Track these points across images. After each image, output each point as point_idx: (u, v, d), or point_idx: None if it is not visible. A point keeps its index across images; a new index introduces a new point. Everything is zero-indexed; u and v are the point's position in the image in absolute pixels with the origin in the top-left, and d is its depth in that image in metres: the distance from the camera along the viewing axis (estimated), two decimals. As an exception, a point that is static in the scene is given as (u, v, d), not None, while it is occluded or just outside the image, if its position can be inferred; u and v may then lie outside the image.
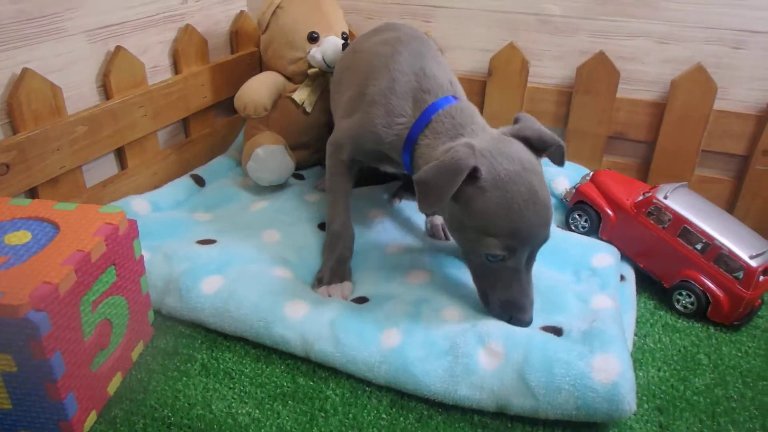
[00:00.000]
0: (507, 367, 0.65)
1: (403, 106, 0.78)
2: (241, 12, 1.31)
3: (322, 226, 0.98)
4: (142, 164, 1.06)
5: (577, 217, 1.02)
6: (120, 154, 1.03)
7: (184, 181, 1.07)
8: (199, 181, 1.10)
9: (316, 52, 1.09)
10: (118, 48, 0.97)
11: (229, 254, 0.86)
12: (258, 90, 1.07)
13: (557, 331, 0.72)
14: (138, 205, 0.96)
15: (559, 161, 0.75)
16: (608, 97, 1.14)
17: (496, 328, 0.71)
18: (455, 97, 0.79)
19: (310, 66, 1.11)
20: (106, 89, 0.97)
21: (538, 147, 0.71)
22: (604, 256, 0.91)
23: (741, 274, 0.84)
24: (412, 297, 0.80)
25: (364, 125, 0.83)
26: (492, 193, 0.65)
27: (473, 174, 0.65)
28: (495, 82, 1.20)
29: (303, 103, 1.12)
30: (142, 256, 0.73)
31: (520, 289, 0.69)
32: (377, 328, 0.73)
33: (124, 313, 0.70)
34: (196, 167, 1.16)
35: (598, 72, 1.12)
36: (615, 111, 1.15)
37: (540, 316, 0.76)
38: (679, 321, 0.88)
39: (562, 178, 1.13)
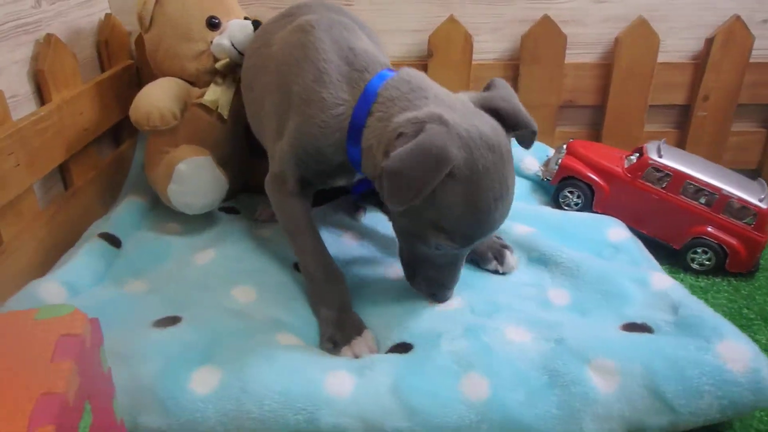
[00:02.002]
0: (631, 383, 0.56)
1: (338, 95, 0.68)
2: (108, 16, 1.04)
3: (298, 267, 0.80)
4: (22, 234, 0.78)
5: (569, 194, 0.97)
6: (-12, 225, 0.74)
7: (96, 245, 0.80)
8: (114, 241, 0.83)
9: (222, 38, 0.90)
10: (-38, 73, 0.68)
11: (209, 332, 0.65)
12: (159, 96, 0.86)
13: (646, 329, 0.65)
14: (48, 292, 0.68)
15: (528, 144, 0.68)
16: (556, 64, 1.11)
17: (583, 337, 0.62)
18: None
19: (217, 59, 0.91)
20: (-49, 136, 0.68)
21: (507, 124, 0.63)
22: (617, 229, 0.88)
23: (752, 219, 0.85)
24: (461, 326, 0.66)
25: (301, 132, 0.70)
26: (464, 187, 0.57)
27: None
28: (437, 63, 1.11)
29: (217, 108, 0.91)
30: (109, 369, 0.50)
31: (452, 272, 0.67)
32: (451, 377, 0.59)
33: (106, 462, 0.47)
34: (91, 224, 0.89)
35: (545, 38, 1.09)
36: (562, 78, 1.13)
37: (610, 314, 0.69)
38: (700, 280, 0.87)
39: (530, 158, 1.08)
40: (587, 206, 0.95)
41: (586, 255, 0.80)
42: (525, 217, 0.90)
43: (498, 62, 1.13)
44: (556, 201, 0.98)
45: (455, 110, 0.59)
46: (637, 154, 0.94)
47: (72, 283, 0.72)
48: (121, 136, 1.09)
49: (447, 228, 0.59)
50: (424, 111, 0.59)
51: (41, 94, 0.85)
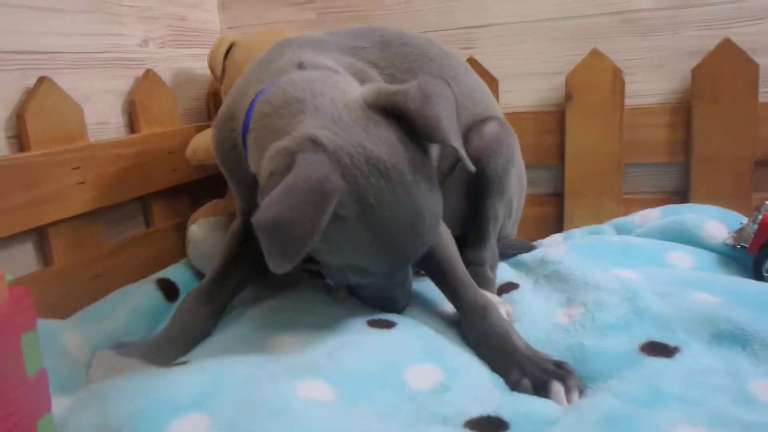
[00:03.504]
0: None
1: (233, 109, 0.61)
2: (222, 70, 1.09)
3: (375, 323, 0.63)
4: (78, 261, 0.74)
5: (779, 261, 0.69)
6: (41, 240, 0.71)
7: (145, 292, 0.73)
8: (170, 292, 0.76)
9: None
10: (43, 80, 0.70)
11: (215, 375, 0.50)
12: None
13: None
14: (71, 341, 0.61)
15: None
16: (746, 102, 0.88)
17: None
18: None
19: None
20: (20, 140, 0.69)
21: (420, 133, 0.51)
22: None
23: None
24: (594, 414, 0.45)
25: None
26: (359, 224, 0.49)
27: None
28: (577, 109, 0.95)
29: None
30: (43, 372, 0.38)
31: (402, 288, 0.60)
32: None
33: None
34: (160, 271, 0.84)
35: (726, 68, 0.88)
36: (756, 122, 0.88)
37: None
38: None
39: (714, 223, 0.82)
40: (811, 278, 0.67)
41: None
42: (708, 285, 0.65)
43: (661, 106, 0.94)
44: (758, 274, 0.71)
45: (339, 125, 0.50)
46: None
47: (95, 338, 0.64)
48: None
49: (364, 266, 0.54)
50: (296, 135, 0.49)
51: (132, 127, 0.86)
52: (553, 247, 0.83)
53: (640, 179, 0.98)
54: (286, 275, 0.79)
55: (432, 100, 0.50)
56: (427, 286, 0.73)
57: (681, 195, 0.95)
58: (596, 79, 0.93)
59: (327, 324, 0.63)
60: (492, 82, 0.97)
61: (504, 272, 0.79)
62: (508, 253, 0.83)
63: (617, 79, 0.92)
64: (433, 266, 0.63)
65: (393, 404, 0.50)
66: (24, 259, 0.70)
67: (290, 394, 0.47)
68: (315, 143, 0.48)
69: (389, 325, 0.61)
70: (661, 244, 0.81)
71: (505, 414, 0.47)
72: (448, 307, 0.66)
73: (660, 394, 0.47)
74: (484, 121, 0.72)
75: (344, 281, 0.60)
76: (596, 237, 0.87)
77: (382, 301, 0.61)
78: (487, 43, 1.00)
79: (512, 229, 0.83)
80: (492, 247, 0.75)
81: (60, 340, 0.61)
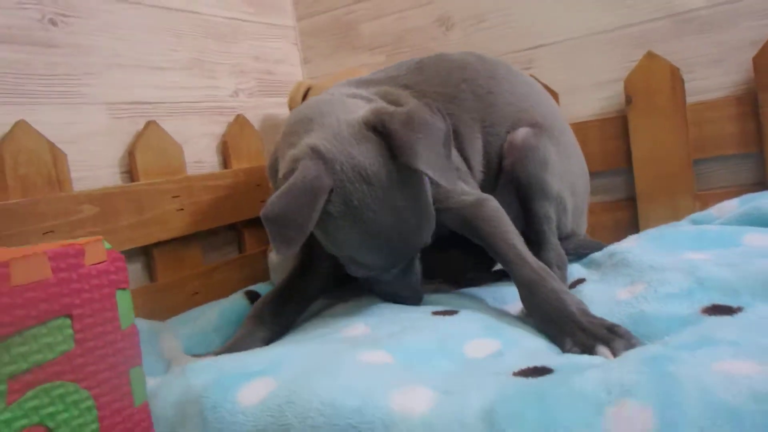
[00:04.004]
0: None
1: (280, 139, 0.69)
2: (302, 116, 1.21)
3: (438, 313, 0.66)
4: (180, 280, 0.84)
5: None
6: (148, 259, 0.82)
7: (234, 300, 0.81)
8: (255, 301, 0.83)
9: None
10: (150, 123, 0.84)
11: (285, 352, 0.56)
12: None
13: None
14: (166, 339, 0.69)
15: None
16: (820, 84, 0.84)
17: None
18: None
19: None
20: (131, 174, 0.82)
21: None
22: None
23: None
24: (637, 357, 0.45)
25: None
26: (346, 222, 0.58)
27: None
28: (638, 111, 0.94)
29: None
30: (134, 327, 0.45)
31: (399, 287, 0.66)
32: (590, 407, 0.37)
33: (88, 421, 0.39)
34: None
35: (791, 52, 0.85)
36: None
37: None
38: None
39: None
40: None
41: None
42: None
43: (725, 98, 0.91)
44: None
45: (337, 138, 0.58)
46: None
47: (187, 338, 0.71)
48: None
49: (358, 259, 0.60)
50: (302, 145, 0.59)
51: (225, 165, 0.98)
52: (624, 243, 0.82)
53: (716, 175, 0.94)
54: (357, 288, 0.85)
55: (413, 126, 0.56)
56: (492, 289, 0.75)
57: (761, 186, 0.90)
58: (654, 80, 0.93)
59: (394, 314, 0.67)
60: (552, 95, 0.99)
61: (575, 271, 0.79)
62: (580, 253, 0.82)
63: (675, 77, 0.91)
64: (483, 242, 0.65)
65: (448, 369, 0.52)
66: (134, 275, 0.81)
67: (349, 359, 0.51)
68: (314, 151, 0.57)
69: (452, 313, 0.64)
70: (737, 228, 0.77)
71: (551, 364, 0.48)
72: (514, 307, 0.68)
73: (710, 340, 0.46)
74: (521, 127, 0.75)
75: (359, 275, 0.65)
76: (669, 228, 0.84)
77: (392, 297, 0.67)
78: (546, 61, 1.04)
79: (576, 227, 0.83)
80: (554, 248, 0.75)
81: (157, 337, 0.69)
